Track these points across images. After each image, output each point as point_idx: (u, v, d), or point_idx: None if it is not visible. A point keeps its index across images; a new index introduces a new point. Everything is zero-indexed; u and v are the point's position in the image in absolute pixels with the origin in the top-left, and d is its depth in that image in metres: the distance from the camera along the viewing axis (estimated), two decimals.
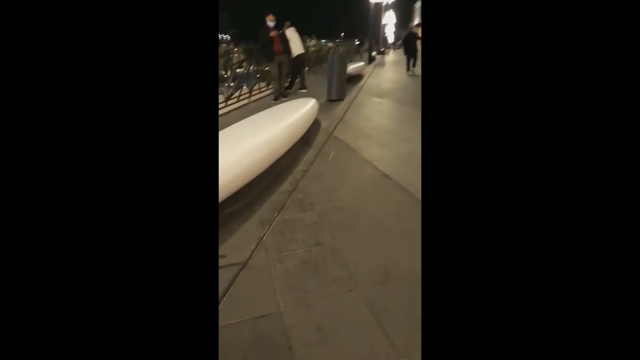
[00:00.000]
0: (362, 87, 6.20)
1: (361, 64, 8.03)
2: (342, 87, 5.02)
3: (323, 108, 4.52)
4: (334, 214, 1.79)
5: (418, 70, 7.79)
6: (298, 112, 2.90)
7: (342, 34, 46.49)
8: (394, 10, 20.11)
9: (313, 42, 9.27)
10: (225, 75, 5.10)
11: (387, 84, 6.65)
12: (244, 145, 1.98)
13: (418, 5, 32.75)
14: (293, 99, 4.40)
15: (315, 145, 2.90)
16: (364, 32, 14.38)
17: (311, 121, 3.16)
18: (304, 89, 5.79)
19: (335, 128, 3.43)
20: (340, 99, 4.93)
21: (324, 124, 3.64)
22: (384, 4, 14.29)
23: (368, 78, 7.56)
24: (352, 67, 6.85)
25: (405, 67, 8.26)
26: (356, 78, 7.22)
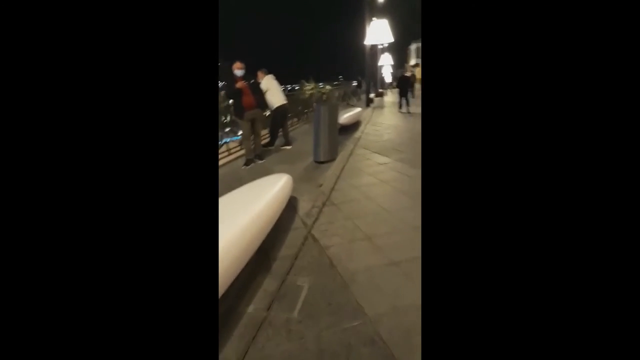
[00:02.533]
0: (359, 139, 5.16)
1: (357, 110, 7.10)
2: (333, 143, 3.97)
3: (307, 174, 3.42)
4: None
5: (412, 109, 8.76)
6: (259, 202, 1.79)
7: (340, 77, 47.61)
8: (390, 53, 20.08)
9: (310, 85, 8.65)
10: None
11: (390, 134, 5.61)
12: None
13: (413, 46, 33.68)
14: (265, 166, 3.31)
15: (277, 267, 1.72)
16: (361, 74, 13.94)
17: (279, 213, 2.02)
18: (289, 145, 4.77)
19: (317, 219, 2.28)
20: (331, 159, 3.86)
21: (302, 207, 2.50)
22: (379, 46, 14.02)
23: (367, 125, 6.60)
24: (346, 116, 5.87)
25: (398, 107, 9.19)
26: (353, 125, 6.25)
